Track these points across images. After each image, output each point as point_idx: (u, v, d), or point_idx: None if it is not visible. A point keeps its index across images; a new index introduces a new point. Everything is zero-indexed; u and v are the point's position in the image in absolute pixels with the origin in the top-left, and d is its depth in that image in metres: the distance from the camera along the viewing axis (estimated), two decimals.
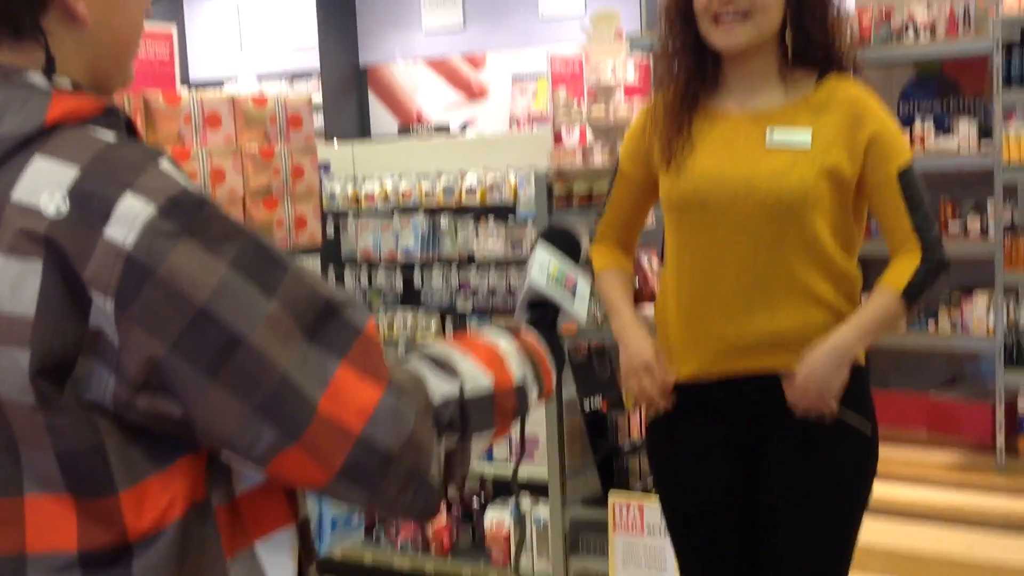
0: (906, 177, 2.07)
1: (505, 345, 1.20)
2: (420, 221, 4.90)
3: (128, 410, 0.96)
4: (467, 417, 1.10)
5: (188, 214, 0.95)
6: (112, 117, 1.04)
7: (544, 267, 1.31)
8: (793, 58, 2.10)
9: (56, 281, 0.94)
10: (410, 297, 5.03)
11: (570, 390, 3.43)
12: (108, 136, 1.00)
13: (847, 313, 2.10)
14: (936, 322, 4.22)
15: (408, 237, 4.94)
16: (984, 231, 4.10)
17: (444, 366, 1.11)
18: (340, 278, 5.21)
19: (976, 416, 4.09)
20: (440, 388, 1.08)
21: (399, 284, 5.06)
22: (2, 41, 1.03)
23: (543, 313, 1.32)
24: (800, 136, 2.05)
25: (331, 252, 5.12)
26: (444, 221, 4.87)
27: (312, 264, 4.94)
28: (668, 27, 2.15)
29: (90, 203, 0.94)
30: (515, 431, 1.23)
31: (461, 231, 4.82)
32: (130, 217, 0.94)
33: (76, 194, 0.95)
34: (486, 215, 4.71)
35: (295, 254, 3.75)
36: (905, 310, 2.07)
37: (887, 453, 4.07)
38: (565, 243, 1.37)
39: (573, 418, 3.58)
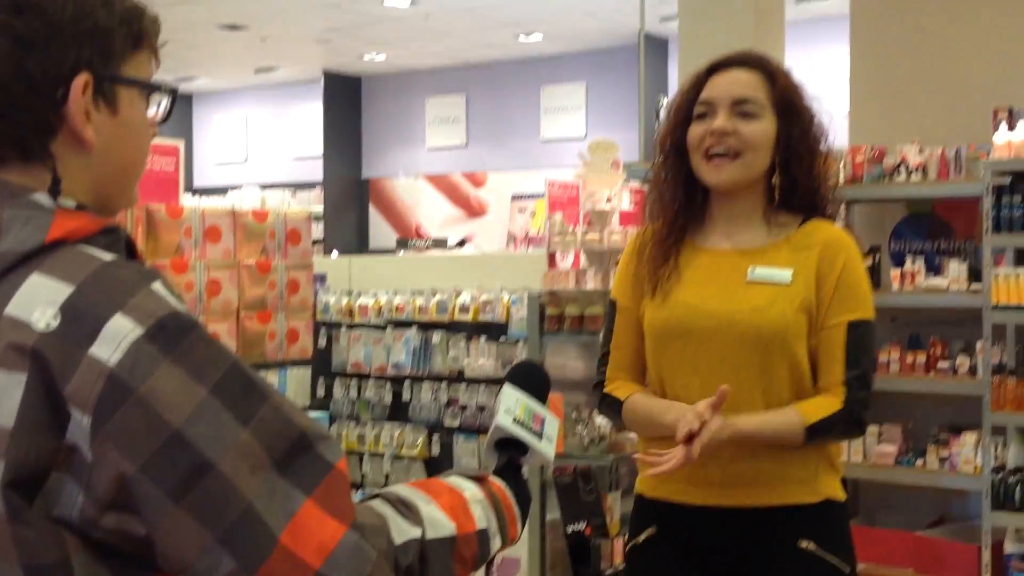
0: (856, 331, 2.09)
1: (471, 493, 1.20)
2: (412, 336, 4.92)
3: (94, 528, 0.96)
4: (426, 562, 1.10)
5: (174, 338, 0.97)
6: (112, 236, 1.06)
7: (511, 408, 1.32)
8: (779, 200, 2.16)
9: (38, 394, 0.95)
10: (398, 411, 5.02)
11: (554, 512, 3.40)
12: (106, 255, 1.03)
13: (829, 448, 2.12)
14: (924, 460, 4.20)
15: (400, 351, 4.95)
16: (973, 371, 4.12)
17: (409, 508, 1.11)
18: (329, 389, 5.20)
19: (963, 556, 4.04)
20: (402, 531, 1.08)
21: (388, 398, 5.05)
22: (12, 162, 1.07)
23: (511, 453, 1.32)
24: (781, 273, 2.10)
25: (322, 362, 5.13)
26: (436, 337, 4.89)
27: (302, 375, 4.95)
28: (661, 160, 2.22)
29: (80, 320, 0.96)
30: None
31: (453, 348, 4.84)
32: (117, 337, 0.95)
33: (67, 310, 0.97)
34: (478, 333, 4.74)
35: (287, 366, 3.76)
36: (800, 442, 2.07)
37: None
38: (533, 381, 1.37)
39: (556, 541, 3.54)
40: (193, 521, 0.94)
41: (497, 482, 1.27)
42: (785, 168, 2.13)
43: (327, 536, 0.98)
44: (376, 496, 1.13)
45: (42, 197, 1.04)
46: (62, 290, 0.98)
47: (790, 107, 2.14)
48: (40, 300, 0.97)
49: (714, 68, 2.18)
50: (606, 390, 2.26)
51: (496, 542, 1.21)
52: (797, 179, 2.14)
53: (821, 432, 2.07)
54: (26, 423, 0.95)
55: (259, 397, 0.99)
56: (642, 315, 2.22)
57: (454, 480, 1.22)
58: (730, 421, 2.03)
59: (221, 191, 12.62)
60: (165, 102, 1.16)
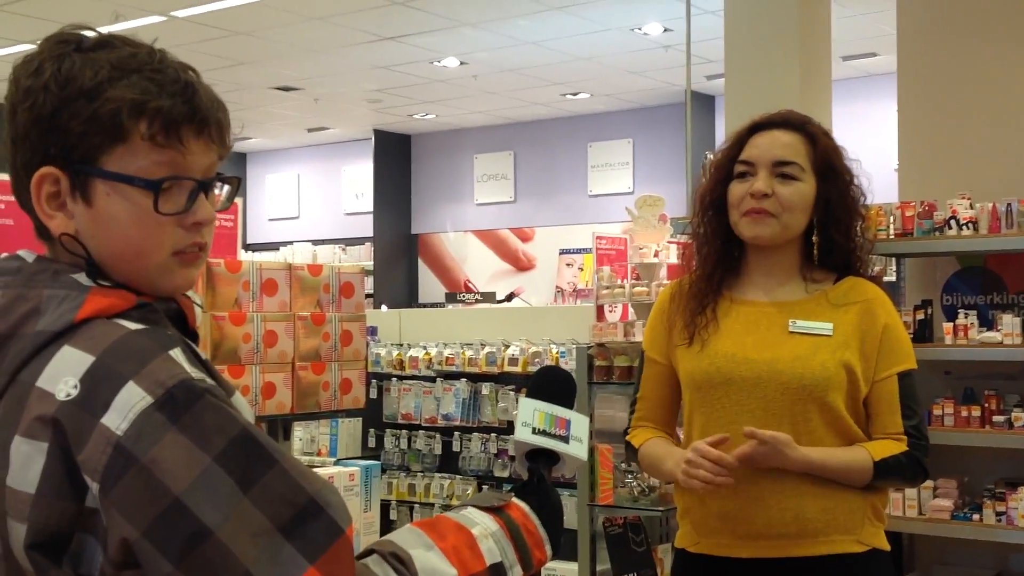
0: (906, 380, 2.13)
1: (480, 529, 1.20)
2: (462, 387, 4.95)
3: None
4: None
5: (183, 406, 1.00)
6: (146, 311, 1.10)
7: (528, 420, 1.32)
8: (817, 260, 2.19)
9: (58, 462, 1.00)
10: (448, 462, 5.04)
11: (604, 563, 3.39)
12: (133, 326, 1.07)
13: (873, 497, 2.12)
14: (981, 515, 4.14)
15: (449, 402, 4.99)
16: None
17: (404, 564, 1.12)
18: (380, 439, 5.24)
19: None
20: None
21: (438, 448, 5.08)
22: (47, 242, 1.14)
23: (542, 464, 1.32)
24: (822, 326, 2.13)
25: (373, 414, 5.18)
26: (486, 388, 4.92)
27: (353, 426, 5.00)
28: (701, 214, 2.26)
29: (96, 389, 1.01)
30: None
31: (502, 399, 4.87)
32: (127, 406, 0.99)
33: (87, 380, 1.02)
34: (527, 384, 4.76)
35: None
36: (869, 478, 2.08)
37: None
38: (553, 387, 1.37)
39: None
40: None
41: (520, 506, 1.27)
42: (823, 228, 2.17)
43: None
44: (371, 552, 1.13)
45: (82, 276, 1.09)
46: (85, 360, 1.03)
47: (830, 169, 2.17)
48: (65, 371, 1.03)
49: (756, 128, 2.22)
50: (627, 438, 2.32)
51: (516, 572, 1.21)
52: (835, 239, 2.17)
53: (888, 471, 2.09)
54: (46, 490, 1.00)
55: (266, 464, 1.01)
56: (674, 365, 2.25)
57: (466, 515, 1.22)
58: (801, 448, 2.04)
59: (274, 247, 12.82)
60: (187, 191, 1.12)
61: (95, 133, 1.08)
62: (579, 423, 1.34)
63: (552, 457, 1.32)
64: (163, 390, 1.00)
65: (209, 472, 0.98)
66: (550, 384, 1.37)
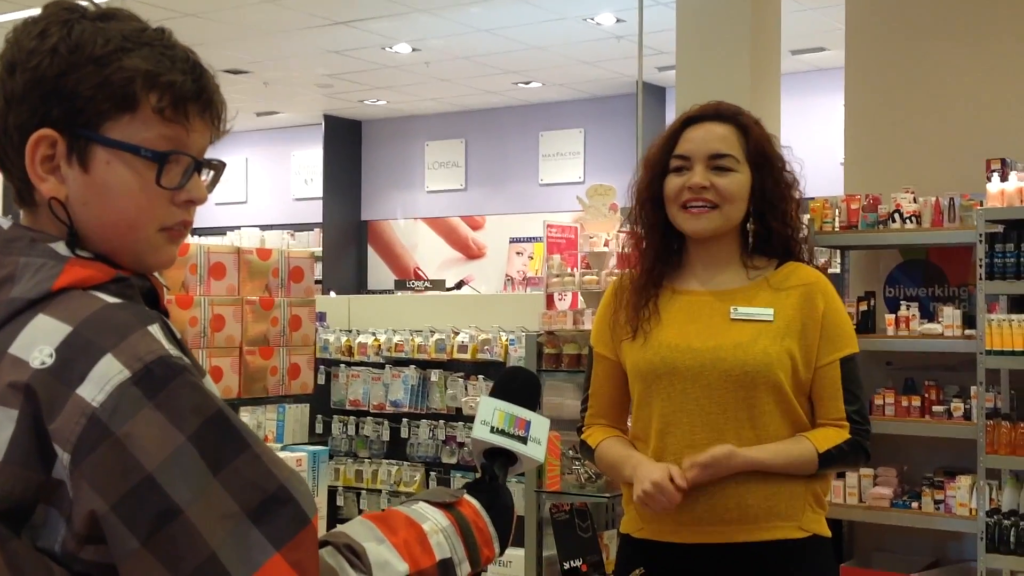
0: (847, 365, 2.16)
1: (431, 524, 1.21)
2: (411, 374, 4.95)
3: (74, 561, 0.99)
4: None
5: (160, 383, 1.00)
6: (123, 285, 1.09)
7: (488, 418, 1.33)
8: (754, 246, 2.23)
9: (27, 430, 0.99)
10: (396, 448, 5.04)
11: (551, 549, 3.41)
12: (111, 299, 1.06)
13: (815, 485, 2.16)
14: (920, 503, 4.22)
15: (398, 389, 4.98)
16: (967, 415, 4.15)
17: (358, 556, 1.12)
18: (328, 426, 5.22)
19: None
20: None
21: (386, 435, 5.07)
22: (28, 210, 1.12)
23: (501, 461, 1.33)
24: (763, 312, 2.16)
25: (321, 400, 5.15)
26: (434, 375, 4.92)
27: (300, 412, 4.97)
28: (639, 209, 2.27)
29: (73, 361, 1.00)
30: None
31: (451, 386, 4.87)
32: (104, 378, 0.99)
33: (63, 350, 1.00)
34: (476, 372, 4.77)
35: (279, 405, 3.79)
36: (814, 470, 2.12)
37: None
38: (516, 387, 1.38)
39: None
40: (157, 562, 0.97)
41: (471, 503, 1.28)
42: (760, 216, 2.20)
43: None
44: (326, 544, 1.13)
45: (60, 246, 1.08)
46: (61, 330, 1.01)
47: (763, 158, 2.20)
48: (40, 339, 1.01)
49: (688, 121, 2.24)
50: (582, 437, 2.34)
51: (464, 568, 1.22)
52: (772, 226, 2.20)
53: (832, 461, 2.13)
54: (14, 457, 0.99)
55: (238, 447, 1.01)
56: (621, 360, 2.27)
57: (417, 510, 1.23)
58: (742, 451, 2.07)
59: (221, 232, 12.68)
60: (183, 168, 1.12)
61: (104, 99, 1.07)
62: (539, 425, 1.35)
63: (510, 457, 1.33)
64: (141, 365, 0.99)
65: (182, 451, 0.98)
66: (513, 384, 1.38)
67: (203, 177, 1.18)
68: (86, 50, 1.08)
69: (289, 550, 0.99)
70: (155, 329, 1.04)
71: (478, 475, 1.35)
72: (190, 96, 1.12)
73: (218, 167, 1.20)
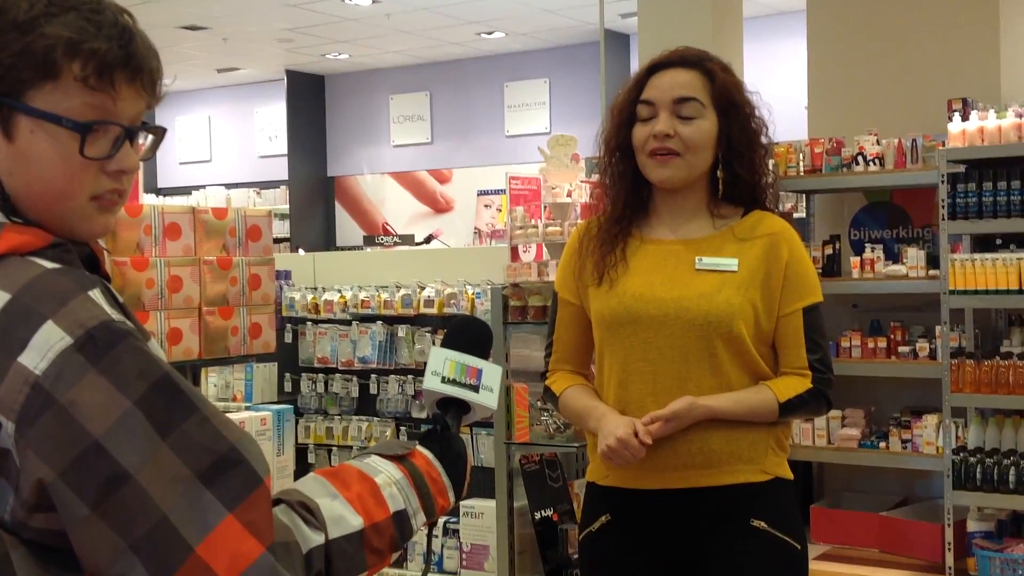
0: (811, 315, 2.17)
1: (384, 477, 1.21)
2: (378, 330, 4.93)
3: (24, 529, 0.98)
4: (332, 563, 1.11)
5: (103, 348, 0.98)
6: (60, 250, 1.07)
7: (438, 369, 1.32)
8: (722, 194, 2.21)
9: None
10: (366, 405, 5.03)
11: (521, 499, 3.42)
12: (49, 264, 1.03)
13: (776, 429, 2.16)
14: (887, 443, 4.26)
15: (366, 345, 4.96)
16: (932, 355, 4.18)
17: (312, 513, 1.12)
18: (296, 384, 5.20)
19: (927, 535, 4.10)
20: (307, 539, 1.10)
21: (355, 391, 5.06)
22: None
23: (454, 411, 1.33)
24: (727, 262, 2.16)
25: (288, 358, 5.13)
26: (402, 331, 4.90)
27: (268, 371, 4.94)
28: (608, 157, 2.26)
29: (13, 328, 0.98)
30: (425, 541, 1.24)
31: (418, 341, 4.86)
32: (46, 346, 0.97)
33: (2, 317, 0.99)
34: (443, 326, 4.75)
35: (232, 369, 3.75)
36: (775, 418, 2.14)
37: (840, 571, 4.08)
38: (468, 335, 1.38)
39: (524, 528, 3.56)
40: (108, 528, 0.95)
41: (424, 454, 1.28)
42: (727, 163, 2.19)
43: (243, 554, 0.98)
44: (279, 502, 1.13)
45: None
46: (0, 298, 0.99)
47: (730, 104, 2.19)
48: None
49: (654, 68, 2.22)
50: (546, 383, 2.34)
51: (419, 519, 1.22)
52: (739, 173, 2.19)
53: (793, 409, 2.15)
54: None
55: (186, 410, 1.00)
56: (586, 306, 2.26)
57: (369, 463, 1.23)
58: (702, 401, 2.08)
59: (186, 191, 12.53)
60: (112, 137, 1.09)
61: (25, 67, 1.05)
62: (491, 373, 1.35)
63: (463, 406, 1.33)
64: (83, 331, 0.98)
65: (129, 415, 0.96)
66: (464, 334, 1.38)
67: (141, 142, 1.15)
68: (8, 15, 1.05)
69: (242, 511, 0.99)
70: (96, 294, 1.02)
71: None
72: (117, 64, 1.08)
73: (156, 132, 1.16)
